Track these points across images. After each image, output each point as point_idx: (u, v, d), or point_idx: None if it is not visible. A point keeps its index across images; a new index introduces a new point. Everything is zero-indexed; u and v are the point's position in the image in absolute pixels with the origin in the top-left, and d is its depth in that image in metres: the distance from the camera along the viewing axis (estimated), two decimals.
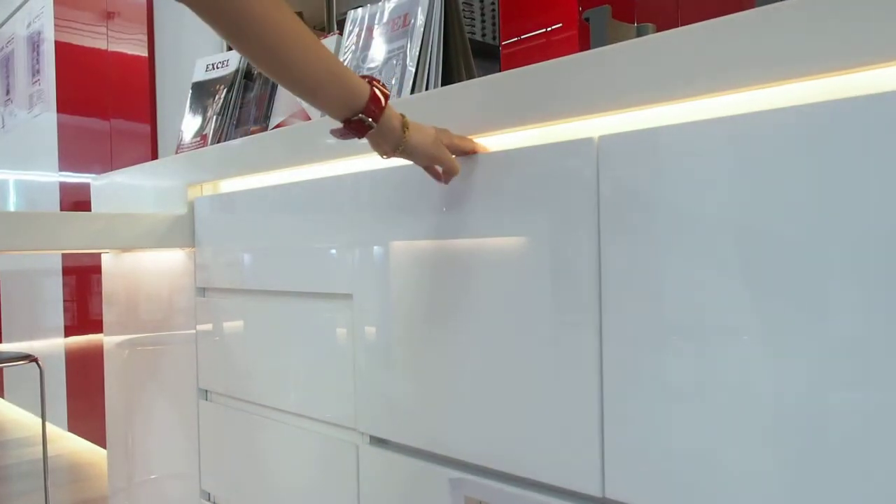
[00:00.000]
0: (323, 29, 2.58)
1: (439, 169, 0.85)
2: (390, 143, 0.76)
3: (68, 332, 3.31)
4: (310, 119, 1.37)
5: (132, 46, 2.92)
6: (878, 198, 0.56)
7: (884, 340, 0.56)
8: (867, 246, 0.57)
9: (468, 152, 0.85)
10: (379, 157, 0.80)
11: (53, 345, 3.41)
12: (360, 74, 0.73)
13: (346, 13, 1.38)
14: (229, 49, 2.21)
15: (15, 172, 3.96)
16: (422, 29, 1.17)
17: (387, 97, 0.74)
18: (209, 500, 1.39)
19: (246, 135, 1.51)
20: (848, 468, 0.58)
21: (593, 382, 0.75)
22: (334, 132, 0.75)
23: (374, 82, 0.73)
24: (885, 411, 0.56)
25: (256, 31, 0.64)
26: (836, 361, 0.58)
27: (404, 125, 0.76)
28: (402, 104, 1.03)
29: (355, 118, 0.72)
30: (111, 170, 2.35)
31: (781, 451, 0.62)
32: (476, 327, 0.86)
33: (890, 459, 0.56)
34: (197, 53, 2.43)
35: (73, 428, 3.24)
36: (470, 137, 0.86)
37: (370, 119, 0.72)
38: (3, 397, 4.07)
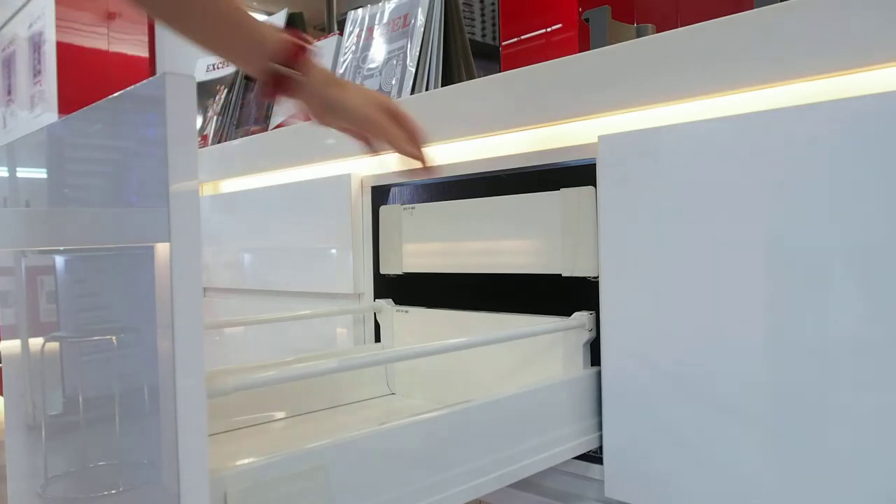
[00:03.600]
0: (323, 29, 2.58)
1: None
2: (320, 100, 0.66)
3: None
4: (310, 119, 1.37)
5: (133, 47, 2.92)
6: (879, 197, 0.56)
7: (883, 340, 0.56)
8: (867, 245, 0.57)
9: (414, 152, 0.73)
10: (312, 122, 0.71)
11: None
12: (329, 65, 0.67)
13: (346, 13, 1.38)
14: None
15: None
16: (422, 29, 1.17)
17: (307, 45, 0.64)
18: None
19: (246, 135, 1.51)
20: (848, 468, 0.58)
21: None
22: (258, 94, 0.67)
23: (290, 32, 0.64)
24: (886, 411, 0.56)
25: None
26: (837, 361, 0.58)
27: (336, 82, 0.66)
28: (402, 104, 1.03)
29: (277, 70, 0.62)
30: None
31: (782, 450, 0.62)
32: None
33: (889, 460, 0.56)
34: (197, 54, 2.43)
35: None
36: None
37: (298, 73, 0.63)
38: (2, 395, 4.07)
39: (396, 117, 0.70)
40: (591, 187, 0.76)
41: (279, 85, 0.63)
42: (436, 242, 0.94)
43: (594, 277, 0.76)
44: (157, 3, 0.60)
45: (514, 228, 0.85)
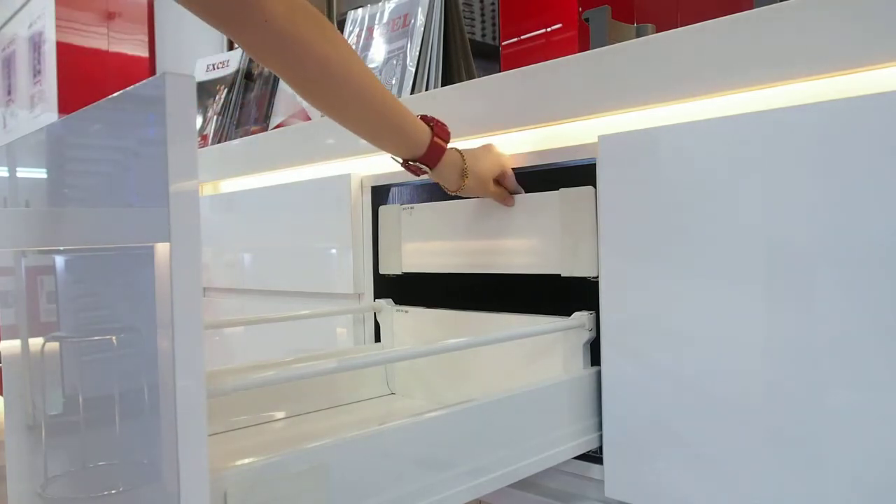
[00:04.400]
0: None
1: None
2: (449, 186, 0.81)
3: None
4: (310, 119, 1.37)
5: (133, 47, 2.92)
6: (879, 197, 0.56)
7: (884, 340, 0.56)
8: (867, 245, 0.57)
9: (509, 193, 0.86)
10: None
11: None
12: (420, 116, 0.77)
13: (346, 13, 1.38)
14: (230, 49, 2.21)
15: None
16: (422, 29, 1.17)
17: (446, 143, 0.78)
18: None
19: (246, 135, 1.51)
20: (848, 468, 0.58)
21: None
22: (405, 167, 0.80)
23: (436, 131, 0.77)
24: (886, 412, 0.56)
25: (338, 80, 0.66)
26: (837, 361, 0.58)
27: (463, 173, 0.80)
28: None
29: (413, 163, 0.77)
30: None
31: (781, 450, 0.62)
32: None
33: (888, 460, 0.56)
34: (197, 54, 2.43)
35: None
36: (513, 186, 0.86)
37: (426, 166, 0.77)
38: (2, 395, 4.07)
39: (504, 178, 0.84)
40: (590, 187, 0.76)
41: (413, 170, 0.78)
42: (435, 242, 0.94)
43: (594, 277, 0.76)
44: (324, 101, 0.69)
45: (513, 228, 0.85)
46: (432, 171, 0.78)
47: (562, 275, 0.79)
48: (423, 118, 0.77)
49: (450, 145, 0.79)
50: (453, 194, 0.83)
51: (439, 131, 0.77)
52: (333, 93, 0.67)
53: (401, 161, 0.78)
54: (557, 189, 0.80)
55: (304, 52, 0.63)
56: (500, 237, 0.87)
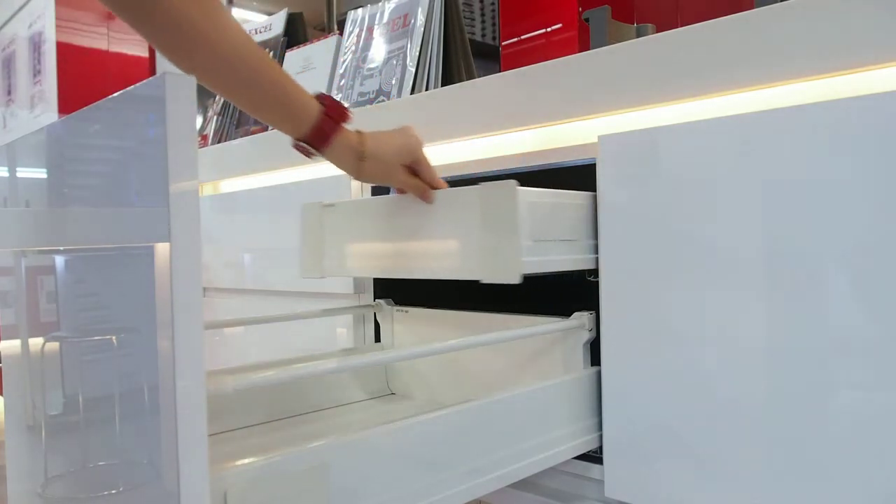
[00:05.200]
0: (323, 29, 2.58)
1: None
2: (347, 171, 0.74)
3: None
4: None
5: (133, 47, 2.92)
6: (879, 197, 0.56)
7: (872, 337, 0.56)
8: (867, 245, 0.57)
9: (428, 184, 0.77)
10: None
11: None
12: (319, 94, 0.70)
13: (346, 13, 1.38)
14: None
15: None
16: (422, 29, 1.17)
17: (338, 123, 0.71)
18: None
19: (246, 135, 1.51)
20: (848, 468, 0.58)
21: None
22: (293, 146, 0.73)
23: (328, 109, 0.70)
24: (886, 412, 0.56)
25: (208, 44, 0.61)
26: (837, 361, 0.58)
27: (360, 157, 0.72)
28: (402, 104, 1.04)
29: (302, 143, 0.70)
30: None
31: (782, 450, 0.62)
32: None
33: (887, 460, 0.56)
34: None
35: None
36: (431, 169, 0.77)
37: (314, 147, 0.70)
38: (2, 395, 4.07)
39: (418, 165, 0.76)
40: (513, 181, 0.67)
41: (302, 151, 0.72)
42: (355, 243, 0.86)
43: (594, 277, 0.76)
44: (206, 74, 0.64)
45: (432, 228, 0.76)
46: (324, 154, 0.71)
47: (481, 281, 0.69)
48: (318, 96, 0.70)
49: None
50: (361, 181, 0.76)
51: (332, 110, 0.70)
52: (206, 61, 0.62)
53: (294, 145, 0.71)
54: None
55: (177, 21, 0.59)
56: (419, 238, 0.77)
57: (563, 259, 0.73)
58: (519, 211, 0.67)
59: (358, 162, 0.72)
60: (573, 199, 0.75)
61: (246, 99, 0.67)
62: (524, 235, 0.68)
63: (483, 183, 0.70)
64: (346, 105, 0.73)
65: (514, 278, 0.67)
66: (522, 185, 0.78)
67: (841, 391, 0.58)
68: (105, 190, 0.54)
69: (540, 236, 0.70)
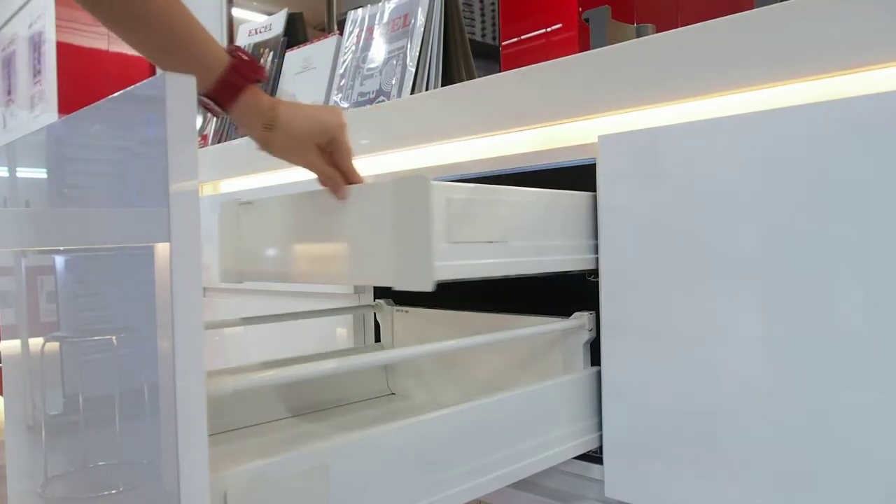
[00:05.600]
0: (323, 29, 2.58)
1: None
2: (252, 138, 0.67)
3: None
4: None
5: None
6: (879, 197, 0.56)
7: (873, 336, 0.56)
8: (868, 245, 0.57)
9: (344, 172, 0.68)
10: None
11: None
12: (230, 46, 0.64)
13: (346, 13, 1.38)
14: None
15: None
16: (422, 29, 1.17)
17: (249, 81, 0.63)
18: None
19: (246, 135, 1.51)
20: (848, 468, 0.58)
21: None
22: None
23: (238, 64, 0.63)
24: (886, 413, 0.56)
25: None
26: (838, 359, 0.58)
27: (268, 124, 0.64)
28: (402, 104, 1.04)
29: (206, 98, 0.63)
30: None
31: (782, 450, 0.62)
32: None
33: (887, 460, 0.56)
34: None
35: None
36: (351, 155, 0.69)
37: (218, 104, 0.63)
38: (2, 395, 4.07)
39: (335, 149, 0.67)
40: (425, 178, 0.60)
41: (205, 106, 0.64)
42: (270, 245, 0.79)
43: (594, 277, 0.76)
44: (106, 12, 0.59)
45: (346, 228, 0.68)
46: (230, 114, 0.64)
47: (393, 288, 0.63)
48: (230, 49, 0.64)
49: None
50: (271, 154, 0.68)
51: (243, 66, 0.63)
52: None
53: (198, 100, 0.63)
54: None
55: None
56: (333, 239, 0.68)
57: (518, 262, 0.68)
58: (432, 208, 0.59)
59: (265, 131, 0.65)
60: (508, 195, 0.68)
61: (151, 42, 0.60)
62: (437, 237, 0.60)
63: (397, 177, 0.62)
64: (260, 64, 0.65)
65: (426, 285, 0.59)
66: (522, 185, 0.75)
67: (842, 391, 0.58)
68: (105, 190, 0.54)
69: (460, 238, 0.62)
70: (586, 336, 0.77)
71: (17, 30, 3.98)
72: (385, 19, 1.27)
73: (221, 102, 0.63)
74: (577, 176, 0.78)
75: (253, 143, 0.68)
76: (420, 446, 0.60)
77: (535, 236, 0.70)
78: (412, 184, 0.60)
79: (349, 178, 0.68)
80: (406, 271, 0.61)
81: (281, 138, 0.65)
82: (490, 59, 2.14)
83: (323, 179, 0.67)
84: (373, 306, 1.02)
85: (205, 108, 0.64)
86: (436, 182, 0.60)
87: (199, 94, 0.62)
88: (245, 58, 0.64)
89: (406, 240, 0.61)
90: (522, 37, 1.85)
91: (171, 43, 0.60)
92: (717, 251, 0.65)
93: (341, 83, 1.31)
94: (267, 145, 0.66)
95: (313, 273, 0.71)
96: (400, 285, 0.61)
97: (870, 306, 0.56)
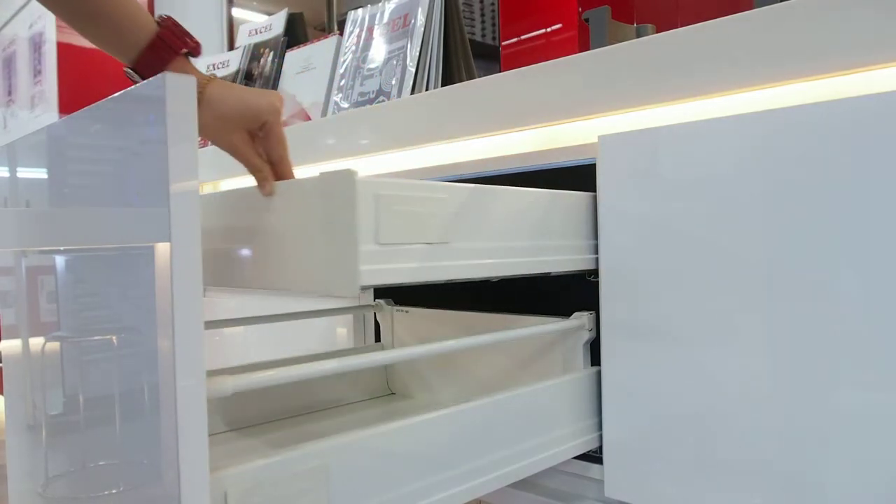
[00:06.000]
0: (323, 29, 2.58)
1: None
2: None
3: None
4: (310, 119, 1.37)
5: None
6: (879, 197, 0.56)
7: (875, 337, 0.56)
8: (868, 245, 0.57)
9: (276, 164, 0.64)
10: None
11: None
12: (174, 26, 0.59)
13: (346, 14, 1.38)
14: (230, 49, 2.21)
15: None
16: (422, 29, 1.17)
17: (177, 52, 0.59)
18: None
19: None
20: (849, 468, 0.58)
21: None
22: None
23: (165, 33, 0.59)
24: (888, 413, 0.56)
25: None
26: (839, 357, 0.58)
27: (196, 99, 0.59)
28: (402, 104, 1.04)
29: (130, 76, 0.59)
30: None
31: (782, 450, 0.62)
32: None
33: (889, 461, 0.56)
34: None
35: None
36: (285, 144, 0.64)
37: (140, 75, 0.59)
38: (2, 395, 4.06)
39: (267, 138, 0.63)
40: (350, 170, 0.54)
41: (130, 79, 0.61)
42: (206, 245, 0.65)
43: (594, 277, 0.76)
44: None
45: (273, 228, 0.61)
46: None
47: (319, 294, 0.59)
48: (160, 18, 0.60)
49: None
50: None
51: (170, 35, 0.59)
52: None
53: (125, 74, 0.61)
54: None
55: None
56: (259, 240, 0.62)
57: (503, 263, 0.65)
58: (358, 206, 0.54)
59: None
60: (448, 192, 0.61)
61: (73, 7, 0.57)
62: (365, 238, 0.54)
63: (324, 172, 0.56)
64: (191, 35, 0.61)
65: (351, 291, 0.54)
66: (522, 185, 0.74)
67: (842, 391, 0.58)
68: (105, 190, 0.54)
69: (392, 239, 0.57)
70: (586, 336, 0.77)
71: (17, 30, 3.99)
72: (385, 19, 1.27)
73: (145, 74, 0.59)
74: (577, 176, 0.78)
75: None
76: (420, 446, 0.60)
77: (495, 237, 0.66)
78: (336, 179, 0.54)
79: (279, 170, 0.63)
80: (331, 277, 0.55)
81: (204, 115, 0.59)
82: (490, 59, 2.14)
83: (250, 170, 0.62)
84: (373, 306, 1.02)
85: (133, 81, 0.59)
86: (364, 177, 0.54)
87: (125, 66, 0.59)
88: (174, 28, 0.60)
89: (331, 242, 0.55)
90: (522, 37, 1.85)
91: (95, 10, 0.57)
92: (718, 251, 0.65)
93: (341, 83, 1.31)
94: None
95: (249, 279, 0.64)
96: (325, 292, 0.56)
97: (870, 307, 0.56)
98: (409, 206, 0.59)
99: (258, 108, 0.61)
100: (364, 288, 0.55)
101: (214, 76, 0.61)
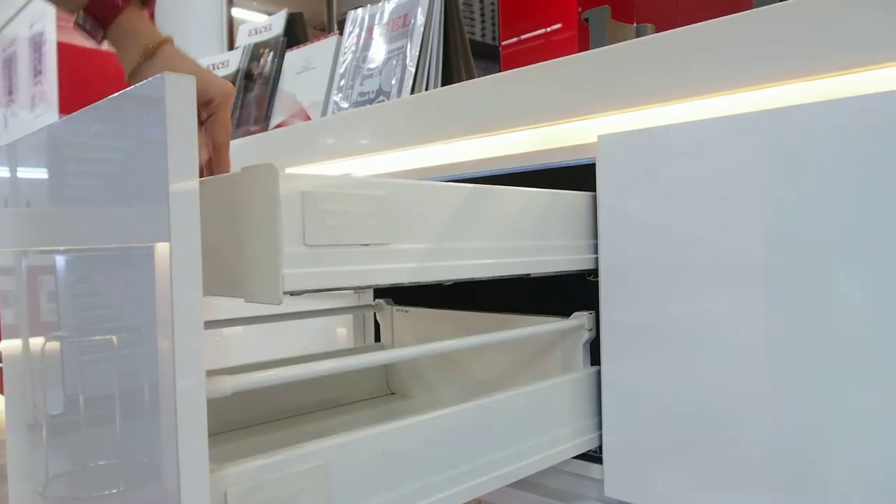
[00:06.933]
0: (323, 29, 2.58)
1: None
2: (124, 65, 0.58)
3: None
4: (310, 119, 1.37)
5: None
6: (880, 197, 0.56)
7: (876, 337, 0.56)
8: (868, 245, 0.57)
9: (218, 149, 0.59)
10: None
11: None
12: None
13: (346, 13, 1.38)
14: (230, 49, 2.21)
15: None
16: (422, 29, 1.17)
17: (126, 2, 0.56)
18: None
19: (246, 135, 1.51)
20: (850, 468, 0.58)
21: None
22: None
23: None
24: (888, 413, 0.56)
25: None
26: (839, 356, 0.58)
27: (147, 54, 0.56)
28: (401, 104, 1.04)
29: (80, 25, 0.56)
30: None
31: (783, 451, 0.62)
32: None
33: (888, 462, 0.56)
34: (197, 54, 2.43)
35: None
36: (228, 133, 0.61)
37: (91, 24, 0.56)
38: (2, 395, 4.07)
39: (213, 120, 0.59)
40: (271, 164, 0.50)
41: (91, 34, 0.57)
42: None
43: (594, 277, 0.76)
44: None
45: (204, 228, 0.51)
46: (108, 38, 0.57)
47: (245, 300, 0.52)
48: None
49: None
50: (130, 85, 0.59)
51: None
52: None
53: (74, 24, 0.58)
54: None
55: None
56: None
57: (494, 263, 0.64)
58: (281, 205, 0.49)
59: (143, 59, 0.56)
60: (390, 189, 0.57)
61: None
62: (290, 239, 0.50)
63: (246, 167, 0.51)
64: None
65: (274, 298, 0.49)
66: (522, 185, 0.72)
67: (842, 391, 0.58)
68: (105, 190, 0.54)
69: (322, 240, 0.52)
70: (586, 336, 0.77)
71: (17, 30, 3.99)
72: (385, 19, 1.27)
73: (96, 21, 0.55)
74: (576, 176, 0.78)
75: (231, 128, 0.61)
76: (420, 446, 0.61)
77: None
78: (258, 174, 0.50)
79: (217, 155, 0.59)
80: (255, 282, 0.50)
81: (153, 72, 0.55)
82: (490, 59, 2.14)
83: None
84: (373, 306, 1.02)
85: (81, 32, 0.57)
86: (289, 172, 0.50)
87: (75, 20, 0.55)
88: None
89: (254, 243, 0.50)
90: (522, 37, 1.85)
91: None
92: (718, 251, 0.65)
93: (341, 83, 1.31)
94: (140, 77, 0.56)
95: None
96: (250, 298, 0.51)
97: (870, 307, 0.57)
98: (341, 205, 0.53)
99: (209, 83, 0.58)
100: (294, 293, 0.50)
101: (169, 37, 0.58)
